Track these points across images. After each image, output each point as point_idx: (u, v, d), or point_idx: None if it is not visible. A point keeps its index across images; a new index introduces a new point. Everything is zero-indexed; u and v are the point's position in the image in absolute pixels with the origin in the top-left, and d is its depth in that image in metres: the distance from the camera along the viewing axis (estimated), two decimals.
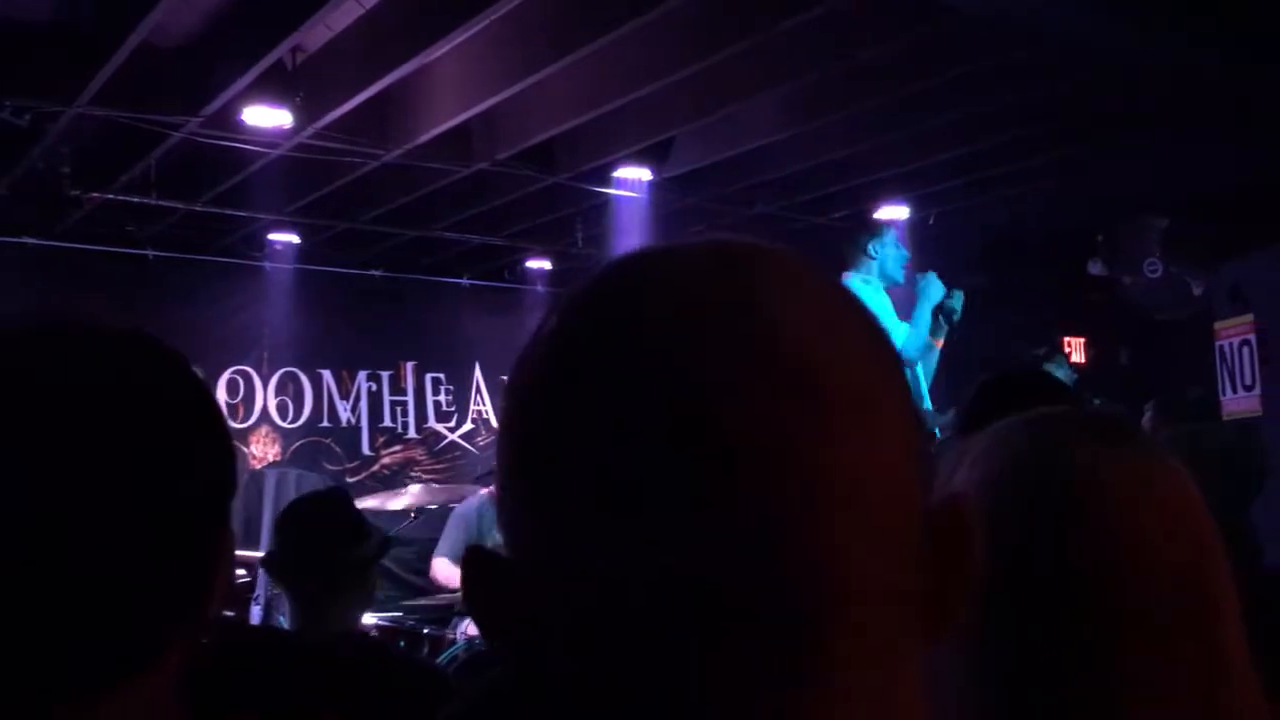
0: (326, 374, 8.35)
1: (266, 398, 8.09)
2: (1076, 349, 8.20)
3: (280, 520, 2.65)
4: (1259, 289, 5.08)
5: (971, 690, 0.79)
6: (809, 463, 0.47)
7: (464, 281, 8.75)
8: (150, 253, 7.27)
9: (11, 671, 0.69)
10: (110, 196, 6.22)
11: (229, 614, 4.98)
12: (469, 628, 4.62)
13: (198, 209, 6.55)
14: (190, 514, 0.75)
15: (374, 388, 8.57)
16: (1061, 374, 6.29)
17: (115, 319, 0.78)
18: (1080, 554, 0.77)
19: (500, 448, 0.54)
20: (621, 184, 6.62)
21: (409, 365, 8.72)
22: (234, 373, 7.95)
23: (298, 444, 8.18)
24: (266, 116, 5.28)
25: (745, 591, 0.47)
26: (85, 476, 0.70)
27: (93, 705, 0.71)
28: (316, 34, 4.96)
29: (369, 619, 4.36)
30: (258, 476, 7.78)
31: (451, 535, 5.54)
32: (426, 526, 6.09)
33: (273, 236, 7.55)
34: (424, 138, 5.64)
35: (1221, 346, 5.30)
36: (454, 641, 4.59)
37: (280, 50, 4.67)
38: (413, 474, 8.36)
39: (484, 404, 8.89)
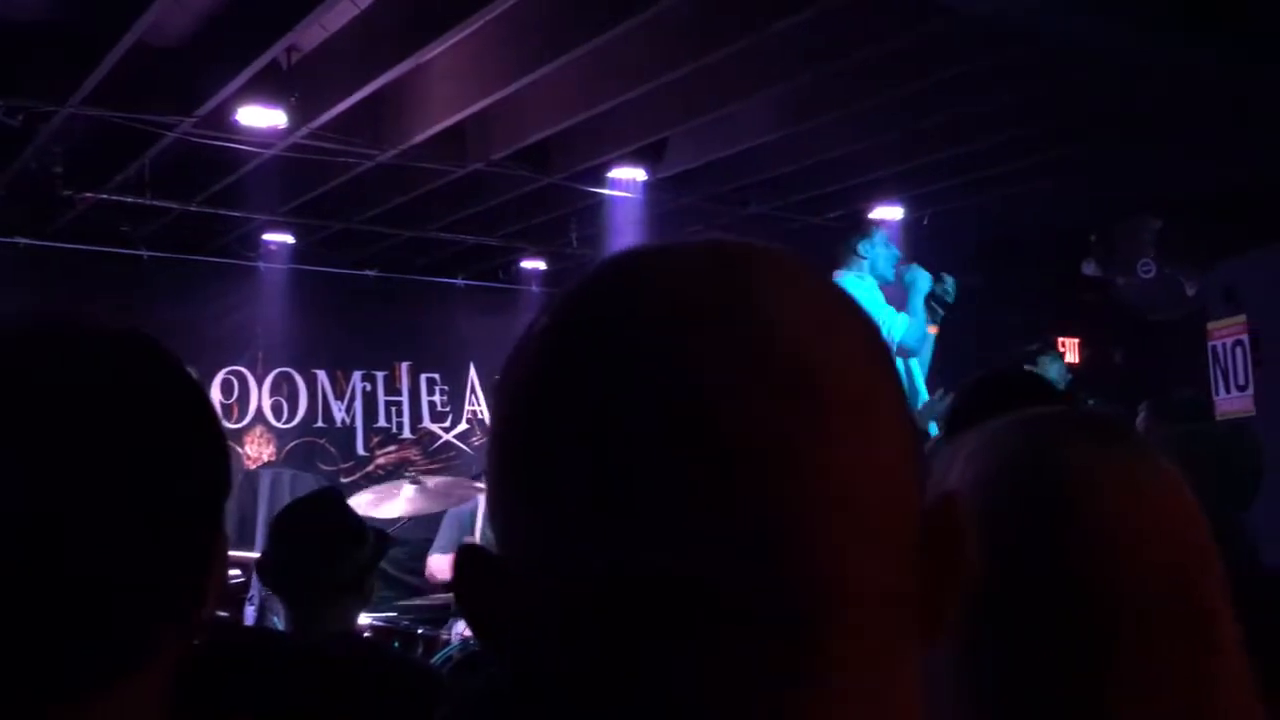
0: (321, 374, 8.35)
1: (261, 398, 8.08)
2: (1070, 349, 8.21)
3: (273, 527, 2.62)
4: (1252, 289, 5.08)
5: (965, 690, 0.79)
6: (806, 464, 0.47)
7: (459, 282, 8.74)
8: (144, 253, 7.26)
9: (7, 671, 0.69)
10: (104, 197, 6.21)
11: (223, 615, 4.97)
12: (464, 628, 4.61)
13: (192, 209, 6.54)
14: (185, 515, 0.75)
15: (369, 388, 8.56)
16: (1055, 369, 6.32)
17: (110, 319, 0.78)
18: (1073, 554, 0.77)
19: (492, 446, 0.54)
20: (616, 184, 6.62)
21: (404, 365, 8.71)
22: (228, 373, 7.94)
23: (292, 444, 8.17)
24: (261, 116, 5.27)
25: (743, 592, 0.47)
26: (81, 477, 0.70)
27: (87, 705, 0.71)
28: (311, 34, 4.95)
29: (363, 619, 4.35)
30: (252, 477, 7.78)
31: (447, 533, 5.54)
32: (421, 526, 6.08)
33: (267, 237, 7.54)
34: (419, 138, 5.63)
35: (1214, 347, 5.31)
36: (448, 642, 4.59)
37: (275, 50, 4.67)
38: (407, 474, 8.35)
39: (479, 404, 8.89)
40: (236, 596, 5.13)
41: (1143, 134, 6.00)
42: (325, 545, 2.49)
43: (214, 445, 0.78)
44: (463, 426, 8.88)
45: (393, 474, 8.30)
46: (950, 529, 0.52)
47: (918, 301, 5.10)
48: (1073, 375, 6.85)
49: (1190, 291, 6.97)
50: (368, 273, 8.26)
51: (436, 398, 8.83)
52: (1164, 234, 7.20)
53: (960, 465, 0.83)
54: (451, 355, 8.77)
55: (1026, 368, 5.85)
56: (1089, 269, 7.63)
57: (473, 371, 8.86)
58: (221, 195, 6.43)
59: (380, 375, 8.61)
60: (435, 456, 8.71)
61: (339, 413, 8.41)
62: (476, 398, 8.88)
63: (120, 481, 0.71)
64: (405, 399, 8.71)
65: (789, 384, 0.48)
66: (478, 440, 8.83)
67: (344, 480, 7.95)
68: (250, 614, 5.17)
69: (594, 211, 7.06)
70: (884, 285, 5.15)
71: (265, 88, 5.09)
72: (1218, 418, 5.17)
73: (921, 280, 5.13)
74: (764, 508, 0.47)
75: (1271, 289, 5.00)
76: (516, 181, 6.56)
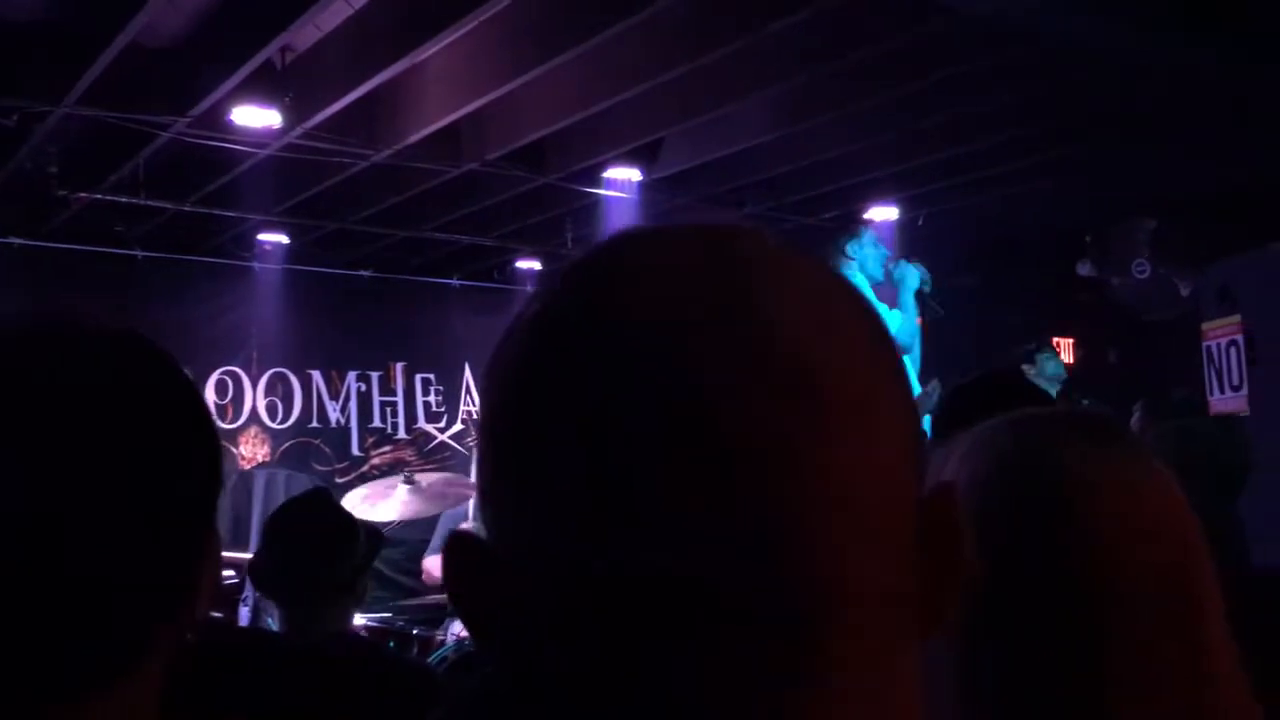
0: (316, 374, 8.34)
1: (255, 398, 8.07)
2: (1065, 349, 8.23)
3: (267, 528, 2.60)
4: (1246, 290, 5.09)
5: (964, 690, 0.79)
6: (806, 464, 0.47)
7: (454, 282, 8.74)
8: (139, 253, 7.24)
9: (6, 671, 0.69)
10: (98, 196, 6.20)
11: (217, 615, 4.96)
12: (459, 629, 4.61)
13: (186, 209, 6.53)
14: (182, 514, 0.75)
15: (363, 388, 8.55)
16: (1053, 367, 6.33)
17: (105, 319, 0.78)
18: (1069, 554, 0.77)
19: (482, 442, 0.54)
20: (611, 184, 6.62)
21: (398, 366, 8.71)
22: (223, 373, 7.92)
23: (287, 444, 8.16)
24: (255, 116, 5.26)
25: (743, 593, 0.47)
26: (81, 476, 0.70)
27: (86, 705, 0.71)
28: (305, 34, 4.95)
29: (358, 620, 4.35)
30: (247, 477, 7.77)
31: (442, 534, 5.54)
32: (417, 527, 6.07)
33: (262, 237, 7.53)
34: (413, 138, 5.63)
35: (1209, 347, 5.31)
36: (443, 643, 4.58)
37: (269, 50, 4.66)
38: (402, 473, 8.34)
39: (474, 405, 8.87)
40: (231, 597, 5.12)
41: (1141, 134, 6.01)
42: (321, 545, 2.48)
43: (209, 444, 0.78)
44: (458, 427, 8.88)
45: (388, 474, 8.30)
46: (949, 527, 0.52)
47: (907, 297, 5.15)
48: (1068, 375, 6.86)
49: (1185, 292, 6.98)
50: (362, 273, 8.25)
51: (431, 398, 8.83)
52: (1159, 234, 7.22)
53: (954, 466, 0.83)
54: (447, 356, 8.76)
55: (1024, 367, 5.87)
56: (1084, 269, 7.65)
57: (468, 372, 8.86)
58: (216, 195, 6.42)
59: (375, 375, 8.60)
60: (430, 457, 8.71)
61: (334, 413, 8.40)
62: (472, 398, 8.87)
63: (119, 481, 0.71)
64: (400, 399, 8.71)
65: (789, 384, 0.48)
66: (473, 441, 8.80)
67: (339, 481, 7.93)
68: (245, 615, 5.17)
69: (589, 212, 7.06)
70: (874, 284, 5.19)
71: (260, 88, 5.08)
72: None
73: (910, 276, 5.18)
74: (764, 508, 0.47)
75: (1266, 289, 5.01)
76: (512, 182, 6.56)
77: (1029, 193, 7.00)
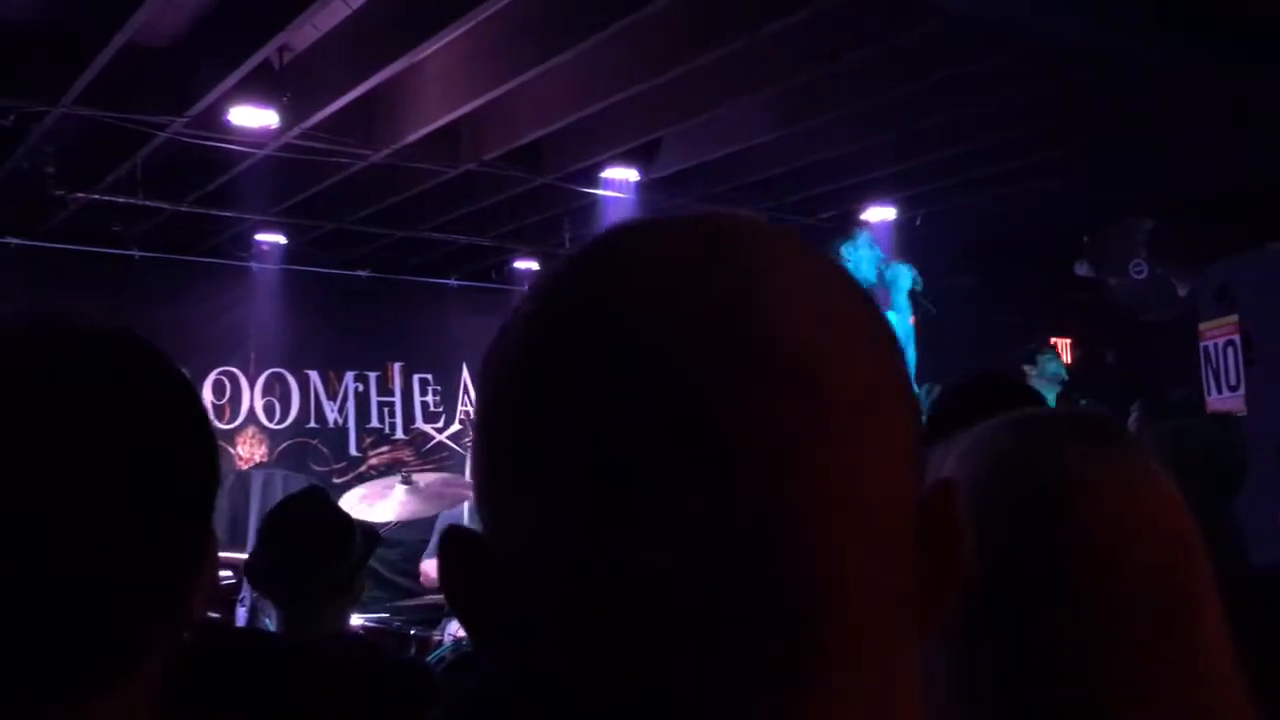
0: (313, 375, 8.33)
1: (253, 398, 8.07)
2: (1063, 349, 8.24)
3: (264, 527, 2.60)
4: (1243, 290, 5.10)
5: (961, 690, 0.79)
6: (806, 464, 0.47)
7: (451, 282, 8.74)
8: (136, 253, 7.24)
9: (6, 671, 0.69)
10: (95, 197, 6.20)
11: (214, 616, 4.96)
12: (457, 629, 4.61)
13: (184, 209, 6.53)
14: (180, 514, 0.75)
15: (361, 388, 8.55)
16: (1053, 367, 6.34)
17: (102, 319, 0.78)
18: (1066, 554, 0.77)
19: (478, 440, 0.53)
20: (609, 184, 6.62)
21: (396, 366, 8.70)
22: (220, 373, 7.92)
23: (284, 445, 8.16)
24: (253, 116, 5.26)
25: (743, 593, 0.47)
26: (79, 476, 0.70)
27: (86, 705, 0.71)
28: (303, 34, 4.95)
29: (356, 620, 4.35)
30: (244, 477, 7.76)
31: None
32: (414, 527, 6.07)
33: (259, 237, 7.53)
34: (411, 138, 5.63)
35: (1206, 347, 5.32)
36: (441, 643, 4.58)
37: (267, 50, 4.66)
38: (400, 473, 8.34)
39: (471, 404, 8.88)
40: (228, 598, 5.12)
41: (1139, 134, 6.02)
42: (318, 544, 2.47)
43: (206, 445, 0.78)
44: (455, 427, 8.88)
45: (385, 475, 8.29)
46: (949, 526, 0.52)
47: (900, 298, 5.18)
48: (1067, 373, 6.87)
49: (1182, 292, 6.99)
50: (360, 273, 8.25)
51: (429, 398, 8.83)
52: (1156, 234, 7.22)
53: (952, 466, 0.83)
54: (444, 356, 8.76)
55: (1025, 367, 5.88)
56: (1082, 270, 7.66)
57: (465, 372, 8.86)
58: (213, 195, 6.42)
59: (373, 376, 8.60)
60: (428, 457, 8.71)
61: (331, 413, 8.40)
62: (469, 398, 8.87)
63: (117, 481, 0.71)
64: (398, 399, 8.71)
65: (789, 384, 0.47)
66: (470, 441, 8.81)
67: (336, 481, 7.94)
68: (242, 615, 5.17)
69: (587, 212, 7.06)
70: (868, 287, 5.22)
71: (257, 88, 5.08)
72: None
73: (903, 277, 5.21)
74: (764, 508, 0.47)
75: (1263, 289, 5.02)
76: (509, 182, 6.56)
77: (1027, 193, 7.00)
